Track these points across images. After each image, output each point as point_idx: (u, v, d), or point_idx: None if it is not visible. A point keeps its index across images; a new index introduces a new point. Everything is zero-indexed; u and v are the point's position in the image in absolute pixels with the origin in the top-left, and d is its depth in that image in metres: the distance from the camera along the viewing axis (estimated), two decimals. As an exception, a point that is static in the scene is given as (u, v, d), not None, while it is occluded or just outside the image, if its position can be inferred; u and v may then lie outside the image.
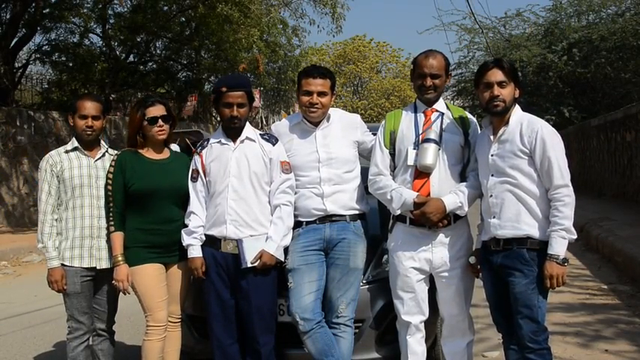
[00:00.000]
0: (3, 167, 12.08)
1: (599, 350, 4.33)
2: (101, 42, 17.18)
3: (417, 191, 3.17)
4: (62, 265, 3.39)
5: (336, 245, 3.34)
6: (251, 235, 3.27)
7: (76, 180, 3.41)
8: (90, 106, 3.44)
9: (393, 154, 3.30)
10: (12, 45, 14.20)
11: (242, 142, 3.36)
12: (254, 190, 3.31)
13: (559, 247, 2.87)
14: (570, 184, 2.94)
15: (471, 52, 19.63)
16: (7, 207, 12.08)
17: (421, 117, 3.29)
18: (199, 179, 3.37)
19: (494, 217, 3.03)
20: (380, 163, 3.31)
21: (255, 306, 3.24)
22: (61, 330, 3.93)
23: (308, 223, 3.38)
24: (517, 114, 3.06)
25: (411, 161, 3.20)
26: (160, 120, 3.37)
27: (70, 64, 15.88)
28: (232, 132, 3.36)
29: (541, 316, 2.94)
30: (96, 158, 3.50)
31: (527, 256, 2.94)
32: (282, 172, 3.34)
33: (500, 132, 3.04)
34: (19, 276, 8.39)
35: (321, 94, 3.36)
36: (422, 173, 3.19)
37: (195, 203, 3.36)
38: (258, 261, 3.23)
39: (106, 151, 3.56)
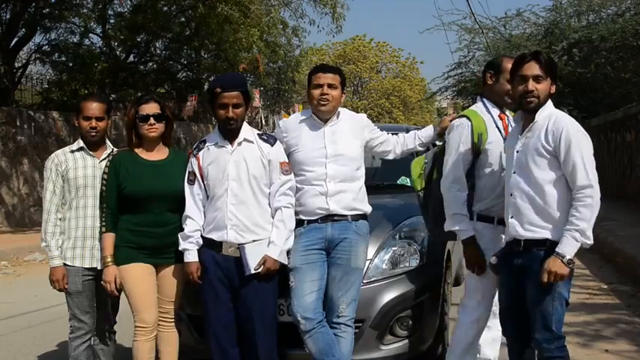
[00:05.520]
0: (3, 167, 12.07)
1: (599, 350, 4.33)
2: (101, 42, 17.20)
3: None
4: (64, 264, 3.40)
5: (338, 245, 3.33)
6: (253, 240, 3.22)
7: (80, 180, 3.41)
8: (94, 107, 3.43)
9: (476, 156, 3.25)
10: (12, 45, 14.21)
11: (239, 144, 3.27)
12: (253, 193, 3.25)
13: (568, 247, 2.74)
14: (596, 186, 2.77)
15: (471, 52, 19.57)
16: (7, 207, 12.08)
17: (498, 121, 3.28)
18: (196, 182, 3.30)
19: (512, 217, 2.94)
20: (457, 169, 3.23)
21: (257, 309, 3.21)
22: (61, 330, 3.94)
23: (310, 222, 3.37)
24: (547, 110, 2.90)
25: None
26: (151, 118, 3.30)
27: (70, 64, 15.89)
28: (229, 133, 3.27)
29: (555, 324, 2.82)
30: (101, 159, 3.49)
31: (544, 259, 2.80)
32: (281, 174, 3.29)
33: (528, 128, 2.91)
34: (19, 276, 8.38)
35: (330, 86, 3.37)
36: None
37: (192, 207, 3.29)
38: (262, 267, 3.19)
39: (112, 152, 3.55)
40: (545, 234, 2.84)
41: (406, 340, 3.52)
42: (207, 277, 3.26)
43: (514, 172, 2.94)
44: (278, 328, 3.34)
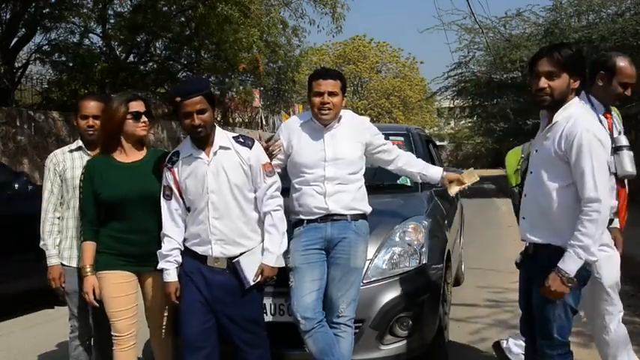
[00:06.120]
0: (3, 167, 12.06)
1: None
2: (101, 42, 17.20)
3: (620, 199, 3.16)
4: (61, 264, 3.40)
5: (337, 244, 3.33)
6: (246, 251, 3.08)
7: (77, 180, 3.39)
8: (91, 106, 3.42)
9: None
10: (12, 45, 14.20)
11: (215, 153, 3.05)
12: (237, 202, 3.06)
13: (570, 264, 2.61)
14: (605, 200, 2.61)
15: (471, 52, 19.62)
16: (7, 207, 12.06)
17: (604, 120, 3.16)
18: (173, 197, 3.09)
19: (523, 218, 2.88)
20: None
21: (246, 320, 3.09)
22: (61, 330, 3.95)
23: (309, 221, 3.37)
24: (568, 110, 2.73)
25: (613, 169, 3.05)
26: (143, 115, 3.17)
27: (70, 64, 15.87)
28: (202, 142, 3.04)
29: (557, 330, 2.74)
30: None
31: (547, 265, 2.70)
32: (266, 177, 3.11)
33: (548, 128, 2.77)
34: (19, 276, 8.37)
35: (331, 94, 3.35)
36: (620, 181, 3.14)
37: (169, 224, 3.10)
38: (260, 277, 3.08)
39: None
40: (549, 239, 2.75)
41: (406, 341, 3.51)
42: (189, 286, 3.08)
43: (530, 173, 2.87)
44: (278, 328, 3.34)
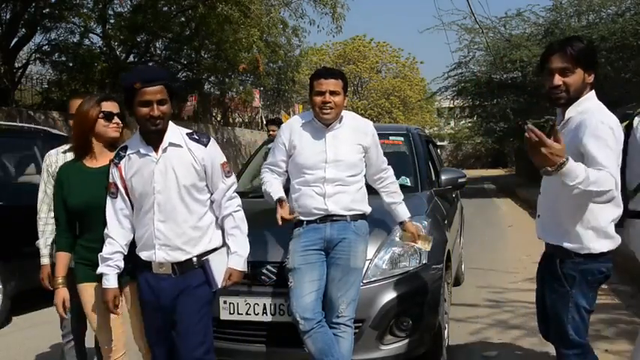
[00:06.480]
0: (3, 167, 12.04)
1: (599, 350, 4.32)
2: (101, 42, 17.21)
3: None
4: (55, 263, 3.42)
5: (337, 245, 3.33)
6: (186, 260, 2.84)
7: None
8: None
9: None
10: (12, 45, 14.21)
11: (165, 150, 2.80)
12: (185, 205, 2.82)
13: (575, 170, 2.27)
14: (618, 189, 2.43)
15: (471, 52, 19.67)
16: (7, 207, 12.04)
17: None
18: (119, 196, 2.86)
19: (538, 216, 2.84)
20: None
21: (190, 324, 2.83)
22: (60, 330, 3.94)
23: (309, 222, 3.37)
24: (583, 105, 2.63)
25: None
26: (116, 117, 3.04)
27: (70, 64, 15.87)
28: (153, 137, 2.79)
29: (573, 331, 2.68)
30: None
31: (558, 268, 2.67)
32: (224, 177, 2.90)
33: (561, 125, 2.64)
34: (19, 276, 8.37)
35: (333, 93, 3.35)
36: None
37: (113, 224, 2.85)
38: (229, 280, 2.89)
39: None
40: (559, 240, 2.68)
41: (406, 341, 3.51)
42: (145, 302, 2.92)
43: None
44: (278, 328, 3.34)
